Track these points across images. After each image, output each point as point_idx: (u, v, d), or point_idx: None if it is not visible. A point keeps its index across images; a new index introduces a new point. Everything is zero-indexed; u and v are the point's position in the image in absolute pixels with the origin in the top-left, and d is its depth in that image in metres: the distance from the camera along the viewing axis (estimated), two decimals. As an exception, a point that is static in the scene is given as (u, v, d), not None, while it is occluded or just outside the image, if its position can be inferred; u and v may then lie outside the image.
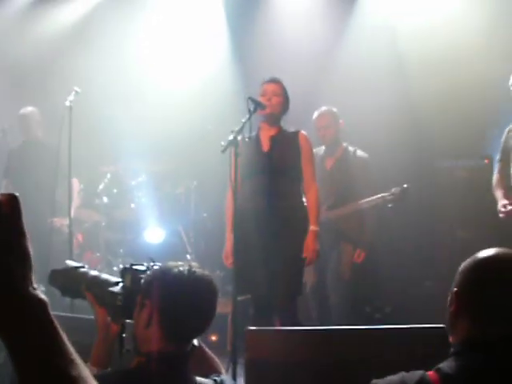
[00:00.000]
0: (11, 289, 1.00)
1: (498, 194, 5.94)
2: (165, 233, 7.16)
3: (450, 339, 2.04)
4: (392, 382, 1.97)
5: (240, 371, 4.21)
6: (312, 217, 5.26)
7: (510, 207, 5.72)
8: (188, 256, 6.92)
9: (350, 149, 6.50)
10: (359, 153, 6.48)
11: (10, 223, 1.03)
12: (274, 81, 5.34)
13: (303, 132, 5.41)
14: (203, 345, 2.60)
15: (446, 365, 1.92)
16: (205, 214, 7.48)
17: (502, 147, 5.98)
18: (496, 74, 6.07)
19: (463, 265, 2.05)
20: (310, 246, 5.19)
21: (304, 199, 5.29)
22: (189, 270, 2.43)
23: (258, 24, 7.73)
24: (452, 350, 1.98)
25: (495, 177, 6.04)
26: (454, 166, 7.00)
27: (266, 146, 5.31)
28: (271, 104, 5.23)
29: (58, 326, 1.03)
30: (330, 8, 7.61)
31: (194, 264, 2.49)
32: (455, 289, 2.02)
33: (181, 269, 2.43)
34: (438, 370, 1.91)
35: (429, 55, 6.98)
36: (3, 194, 1.03)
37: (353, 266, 6.33)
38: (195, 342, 2.46)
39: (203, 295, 2.42)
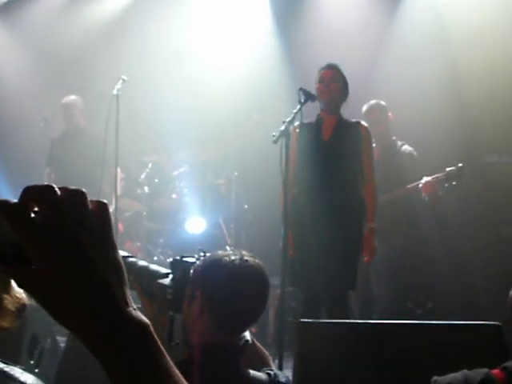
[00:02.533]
0: (113, 310, 0.87)
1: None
2: (205, 224, 7.14)
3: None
4: (455, 379, 1.93)
5: (286, 364, 4.17)
6: (370, 212, 5.17)
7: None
8: (228, 248, 6.90)
9: (399, 143, 6.47)
10: (406, 147, 6.43)
11: (103, 234, 0.89)
12: (332, 67, 5.24)
13: (365, 123, 5.33)
14: (256, 340, 2.57)
15: None
16: (246, 206, 7.45)
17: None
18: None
19: None
20: (369, 244, 5.12)
21: (362, 192, 5.21)
22: (240, 259, 2.37)
23: (307, 13, 7.69)
24: None
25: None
26: (501, 161, 6.90)
27: (326, 135, 5.22)
28: (330, 90, 5.13)
29: (163, 350, 0.91)
30: (378, 5, 7.55)
31: (244, 253, 2.44)
32: None
33: (232, 257, 2.37)
34: (505, 369, 1.87)
35: (481, 50, 6.87)
36: (93, 202, 0.89)
37: (398, 260, 6.27)
38: (248, 337, 2.43)
39: (254, 284, 2.36)
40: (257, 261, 2.42)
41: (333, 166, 5.13)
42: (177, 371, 0.93)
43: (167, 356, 0.91)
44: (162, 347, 0.91)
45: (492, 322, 3.01)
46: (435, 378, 2.00)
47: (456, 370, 1.97)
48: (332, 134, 5.20)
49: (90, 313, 0.86)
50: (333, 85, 5.15)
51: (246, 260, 2.39)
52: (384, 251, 5.61)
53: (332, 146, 5.17)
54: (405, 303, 6.48)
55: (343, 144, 5.18)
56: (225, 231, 7.23)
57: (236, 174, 7.41)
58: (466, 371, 1.94)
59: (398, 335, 3.06)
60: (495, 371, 1.88)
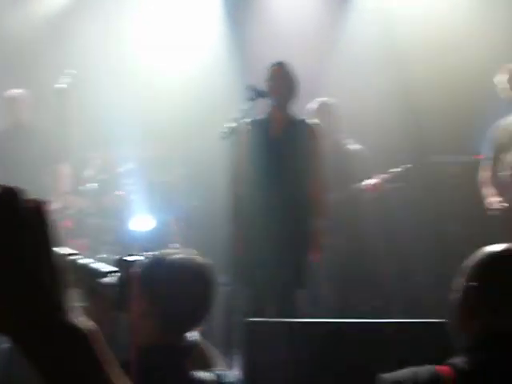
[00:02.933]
0: (43, 314, 0.83)
1: (486, 190, 5.97)
2: (154, 221, 7.09)
3: (462, 334, 2.02)
4: (403, 376, 1.94)
5: (235, 362, 4.15)
6: (318, 210, 5.20)
7: (498, 203, 5.75)
8: (177, 245, 6.86)
9: (347, 141, 6.49)
10: (354, 145, 6.46)
11: (39, 234, 0.85)
12: (282, 64, 5.25)
13: (315, 121, 5.34)
14: (205, 340, 2.54)
15: (461, 360, 1.90)
16: (194, 203, 7.42)
17: (491, 145, 6.01)
18: (490, 72, 6.06)
19: (478, 259, 2.03)
20: (317, 242, 5.14)
21: (311, 190, 5.22)
22: (186, 258, 2.35)
23: (257, 12, 7.68)
24: (466, 345, 1.96)
25: (483, 174, 6.06)
26: (447, 161, 7.01)
27: (276, 132, 5.23)
28: (279, 87, 5.14)
29: (102, 358, 0.88)
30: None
31: (190, 251, 2.41)
32: (472, 284, 1.99)
33: (177, 256, 2.35)
34: (453, 365, 1.89)
35: (430, 49, 6.97)
36: (30, 200, 0.84)
37: (344, 257, 6.31)
38: (196, 336, 2.40)
39: (200, 283, 2.34)
40: (203, 259, 2.39)
41: (282, 163, 5.13)
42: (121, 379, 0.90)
43: (109, 362, 0.89)
44: (103, 354, 0.89)
45: (437, 320, 3.05)
46: (383, 375, 2.01)
47: (402, 368, 1.98)
48: (281, 132, 5.21)
49: (17, 316, 0.83)
50: (282, 82, 5.15)
51: (192, 259, 2.36)
52: (330, 250, 5.64)
53: (281, 143, 5.17)
54: (351, 301, 6.53)
55: (292, 141, 5.18)
56: (173, 228, 7.19)
57: (185, 170, 7.37)
58: (413, 368, 1.95)
59: (346, 334, 3.08)
60: (443, 367, 1.90)
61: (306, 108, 6.26)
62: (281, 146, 5.15)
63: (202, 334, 2.48)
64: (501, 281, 1.95)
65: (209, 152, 6.55)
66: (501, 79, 5.82)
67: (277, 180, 5.10)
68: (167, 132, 7.35)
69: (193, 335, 2.38)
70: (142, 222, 7.08)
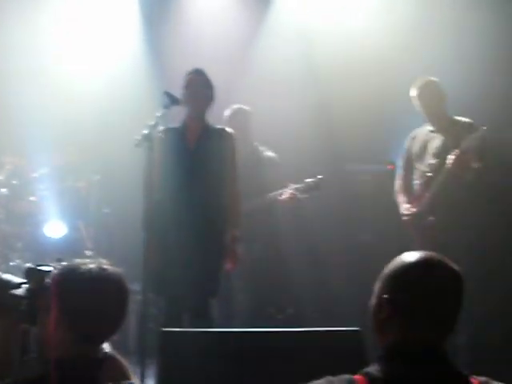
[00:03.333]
0: None
1: (401, 199, 6.09)
2: (65, 227, 6.97)
3: (379, 344, 2.02)
4: (319, 386, 1.94)
5: (149, 372, 4.11)
6: (233, 219, 5.19)
7: (412, 210, 5.87)
8: (88, 252, 6.76)
9: (260, 148, 6.49)
10: (268, 153, 6.48)
11: None
12: (199, 72, 5.22)
13: (229, 129, 5.33)
14: (115, 352, 2.49)
15: (374, 369, 1.90)
16: (106, 210, 7.32)
17: (404, 154, 6.14)
18: (403, 82, 6.18)
19: (391, 270, 2.02)
20: (232, 251, 5.14)
21: (226, 199, 5.20)
22: (98, 268, 2.31)
23: (175, 17, 7.61)
24: (380, 354, 1.97)
25: (398, 183, 6.18)
26: (360, 170, 7.11)
27: (191, 141, 5.19)
28: (196, 96, 5.11)
29: None
30: (246, 7, 7.58)
31: (103, 261, 2.37)
32: (385, 295, 1.99)
33: (90, 267, 2.31)
34: (366, 374, 1.89)
35: (342, 60, 7.05)
36: None
37: (259, 264, 6.33)
38: (107, 348, 2.36)
39: (114, 294, 2.31)
40: (116, 269, 2.35)
41: (197, 172, 5.10)
42: None
43: None
44: None
45: (351, 328, 3.08)
46: (299, 384, 2.01)
47: (316, 377, 1.98)
48: (197, 140, 5.18)
49: None
50: (198, 90, 5.13)
51: (105, 269, 2.32)
52: (245, 258, 5.65)
53: (196, 152, 5.14)
54: (266, 309, 6.55)
55: (208, 150, 5.16)
56: (85, 235, 7.08)
57: (97, 177, 7.27)
58: (329, 377, 1.95)
59: (260, 343, 3.07)
60: (357, 377, 1.90)
61: (223, 116, 6.26)
62: (195, 155, 5.13)
63: (116, 343, 2.44)
64: (412, 292, 1.95)
65: (123, 159, 6.48)
66: (412, 94, 5.96)
67: (191, 189, 5.07)
68: (80, 137, 7.21)
69: (106, 347, 2.34)
70: (54, 228, 6.95)
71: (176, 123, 5.19)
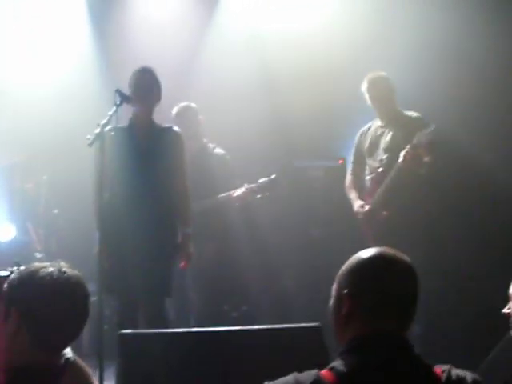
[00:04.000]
0: None
1: (352, 194, 6.13)
2: (14, 230, 6.85)
3: (339, 340, 2.04)
4: (286, 383, 1.94)
5: (108, 375, 4.05)
6: (184, 218, 5.19)
7: (366, 207, 5.91)
8: (38, 254, 6.66)
9: (210, 145, 6.48)
10: (217, 150, 6.46)
11: None
12: (146, 71, 5.18)
13: (176, 128, 5.31)
14: (78, 357, 2.44)
15: (339, 363, 1.92)
16: (56, 211, 7.21)
17: (355, 150, 6.19)
18: (355, 78, 6.22)
19: (349, 266, 2.06)
20: (185, 249, 5.12)
21: (176, 198, 5.19)
22: (58, 271, 2.25)
23: (124, 12, 7.55)
24: (343, 348, 1.98)
25: (348, 178, 6.22)
26: (311, 166, 7.14)
27: (139, 139, 5.16)
28: (141, 95, 5.06)
29: None
30: (195, 12, 7.56)
31: (63, 264, 2.31)
32: (345, 290, 2.02)
33: (49, 270, 2.25)
34: (332, 369, 1.90)
35: (293, 59, 7.08)
36: None
37: (212, 263, 6.31)
38: (69, 354, 2.31)
39: (75, 298, 2.26)
40: (77, 273, 2.31)
41: (145, 171, 5.08)
42: None
43: None
44: None
45: (312, 324, 3.09)
46: (266, 383, 2.00)
47: (278, 374, 1.98)
48: (144, 138, 5.16)
49: None
50: (146, 89, 5.09)
51: (64, 272, 2.27)
52: (198, 256, 5.63)
53: (145, 150, 5.12)
54: (221, 306, 6.55)
55: (156, 148, 5.15)
56: (34, 237, 6.98)
57: (45, 177, 7.16)
58: (296, 374, 1.95)
59: (218, 343, 3.07)
60: (324, 372, 1.91)
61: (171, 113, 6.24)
62: (143, 153, 5.10)
63: (74, 346, 2.39)
64: (370, 285, 2.00)
65: (71, 158, 6.41)
66: (362, 87, 6.01)
67: (140, 187, 5.04)
68: (27, 137, 7.09)
69: (67, 352, 2.29)
70: (2, 231, 6.83)
71: (124, 122, 5.14)
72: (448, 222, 6.26)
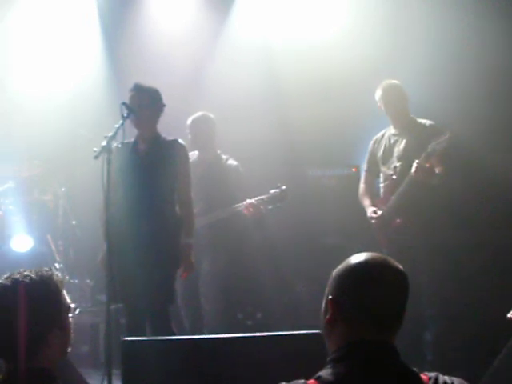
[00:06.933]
0: None
1: (366, 202, 6.14)
2: (32, 241, 6.92)
3: (328, 346, 2.04)
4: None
5: (116, 382, 4.09)
6: (187, 228, 5.22)
7: (379, 212, 5.92)
8: (57, 265, 6.74)
9: (223, 156, 6.50)
10: (230, 161, 6.48)
11: None
12: (138, 89, 5.17)
13: (181, 141, 5.34)
14: (71, 360, 2.48)
15: (326, 372, 1.91)
16: (74, 222, 7.30)
17: (368, 157, 6.20)
18: (366, 87, 6.25)
19: (336, 271, 2.05)
20: (186, 259, 5.16)
21: (178, 209, 5.24)
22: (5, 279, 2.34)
23: (134, 31, 7.60)
24: (330, 357, 1.97)
25: (362, 186, 6.23)
26: (324, 174, 7.15)
27: (142, 153, 5.21)
28: (139, 117, 5.06)
29: None
30: (207, 23, 7.61)
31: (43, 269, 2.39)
32: (330, 296, 2.02)
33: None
34: (319, 378, 1.89)
35: (305, 67, 7.11)
36: None
37: (225, 273, 6.34)
38: (66, 360, 2.35)
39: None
40: (32, 276, 2.34)
41: (149, 184, 5.14)
42: None
43: None
44: None
45: (313, 331, 3.09)
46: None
47: (279, 381, 1.98)
48: (147, 152, 5.20)
49: None
50: (139, 109, 5.06)
51: (13, 279, 2.33)
52: (211, 264, 5.66)
53: (147, 165, 5.16)
54: (235, 315, 6.56)
55: (159, 160, 5.19)
56: (53, 248, 7.06)
57: (63, 189, 7.25)
58: (283, 383, 1.95)
59: (221, 349, 3.07)
60: (310, 382, 1.90)
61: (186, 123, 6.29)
62: (146, 166, 5.15)
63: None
64: (354, 292, 1.97)
65: (87, 170, 6.47)
66: (376, 95, 6.03)
67: (144, 200, 5.11)
68: (45, 150, 7.18)
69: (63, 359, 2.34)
70: (20, 242, 6.90)
71: (133, 135, 5.20)
72: (460, 232, 6.24)
